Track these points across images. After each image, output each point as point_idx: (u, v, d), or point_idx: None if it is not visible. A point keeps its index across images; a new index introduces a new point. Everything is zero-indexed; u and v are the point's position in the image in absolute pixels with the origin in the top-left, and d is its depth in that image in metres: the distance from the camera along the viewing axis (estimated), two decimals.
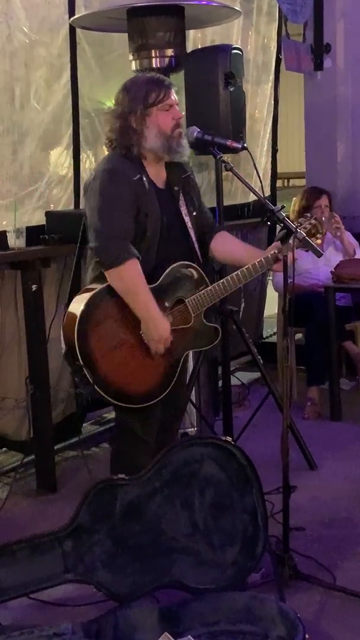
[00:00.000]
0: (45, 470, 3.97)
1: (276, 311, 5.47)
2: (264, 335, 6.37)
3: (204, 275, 3.08)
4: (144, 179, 2.96)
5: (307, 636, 2.44)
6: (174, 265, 3.01)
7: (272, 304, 6.05)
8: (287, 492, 2.98)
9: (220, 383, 4.31)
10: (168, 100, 2.98)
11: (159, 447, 3.16)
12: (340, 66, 5.90)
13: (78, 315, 2.87)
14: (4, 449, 4.32)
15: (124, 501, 2.79)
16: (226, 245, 3.25)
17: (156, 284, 2.97)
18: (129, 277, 2.87)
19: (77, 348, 2.86)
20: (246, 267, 3.04)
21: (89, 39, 4.34)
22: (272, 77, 5.94)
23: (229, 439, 2.94)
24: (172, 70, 3.96)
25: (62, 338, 2.99)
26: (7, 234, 3.83)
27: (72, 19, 4.07)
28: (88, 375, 2.88)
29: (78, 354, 2.86)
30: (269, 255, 3.02)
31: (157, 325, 2.92)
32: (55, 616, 2.80)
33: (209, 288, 3.04)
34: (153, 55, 3.85)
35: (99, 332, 2.89)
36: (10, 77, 3.98)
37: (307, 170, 6.25)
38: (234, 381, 4.83)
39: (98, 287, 2.92)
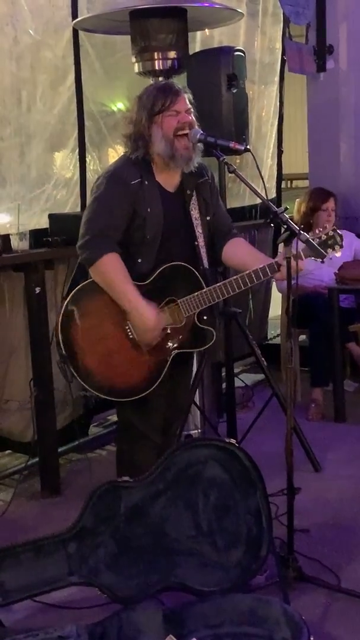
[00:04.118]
0: (50, 472, 3.97)
1: (280, 313, 5.47)
2: (268, 337, 6.37)
3: (200, 278, 3.09)
4: (146, 182, 3.01)
5: (311, 638, 2.43)
6: (168, 265, 3.04)
7: (275, 306, 6.05)
8: (292, 494, 2.97)
9: (224, 385, 4.31)
10: (174, 106, 3.01)
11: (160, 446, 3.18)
12: (342, 67, 5.89)
13: (62, 309, 3.00)
14: (8, 451, 4.32)
15: (127, 503, 2.80)
16: (236, 252, 3.25)
17: (147, 282, 3.01)
18: (107, 271, 2.96)
19: (60, 340, 2.99)
20: (246, 273, 3.04)
21: (92, 41, 4.34)
22: (277, 78, 5.95)
23: (232, 440, 2.94)
24: (174, 73, 3.96)
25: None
26: (11, 236, 3.83)
27: (74, 21, 4.08)
28: (71, 367, 2.99)
29: (62, 345, 2.98)
30: (273, 263, 3.02)
31: (142, 314, 2.96)
32: (59, 618, 2.80)
33: (202, 291, 3.05)
34: (156, 57, 3.85)
35: (83, 325, 3.00)
36: (17, 79, 3.99)
37: (310, 172, 6.24)
38: (237, 383, 4.83)
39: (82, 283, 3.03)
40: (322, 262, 3.05)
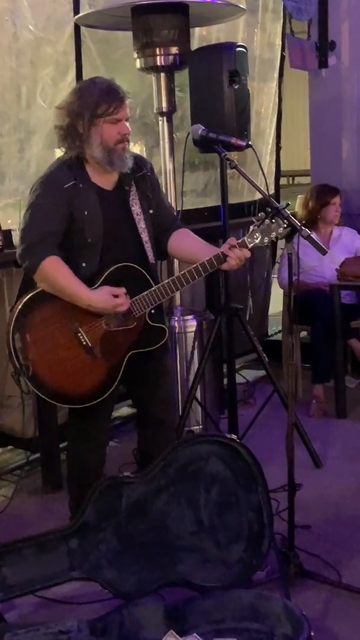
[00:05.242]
0: (51, 468, 3.98)
1: (281, 309, 5.47)
2: (269, 333, 6.37)
3: (148, 277, 3.05)
4: (81, 185, 2.96)
5: (312, 634, 2.44)
6: (114, 267, 2.99)
7: (277, 302, 6.05)
8: (293, 490, 2.98)
9: (225, 381, 4.32)
10: (117, 114, 2.94)
11: (157, 443, 3.18)
12: (345, 63, 5.88)
13: (14, 318, 2.94)
14: (9, 447, 4.33)
15: (129, 499, 2.80)
16: (182, 243, 3.20)
17: (95, 286, 2.96)
18: (50, 274, 2.91)
19: (12, 352, 2.93)
20: (193, 267, 2.99)
21: (94, 37, 4.34)
22: (276, 74, 5.94)
23: (234, 436, 2.94)
24: (176, 68, 3.96)
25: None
26: (12, 232, 3.83)
27: (76, 17, 4.08)
28: (25, 377, 2.94)
29: (14, 357, 2.93)
30: (219, 254, 2.97)
31: (99, 299, 2.92)
32: (61, 614, 2.81)
33: (152, 289, 3.00)
34: (157, 53, 3.85)
35: (33, 333, 2.94)
36: (17, 75, 3.99)
37: (312, 168, 6.23)
38: (239, 379, 4.83)
39: (33, 291, 2.97)
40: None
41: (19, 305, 2.95)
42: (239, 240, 2.97)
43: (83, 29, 4.23)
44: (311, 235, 2.87)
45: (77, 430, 3.23)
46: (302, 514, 3.29)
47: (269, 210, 2.90)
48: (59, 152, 4.39)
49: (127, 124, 3.00)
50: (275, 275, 5.50)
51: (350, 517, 3.49)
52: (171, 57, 3.87)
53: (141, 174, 3.11)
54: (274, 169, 6.14)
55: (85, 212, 2.95)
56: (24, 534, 2.80)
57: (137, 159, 3.11)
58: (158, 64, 3.88)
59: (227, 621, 2.62)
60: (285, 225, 2.88)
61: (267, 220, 2.91)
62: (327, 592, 2.90)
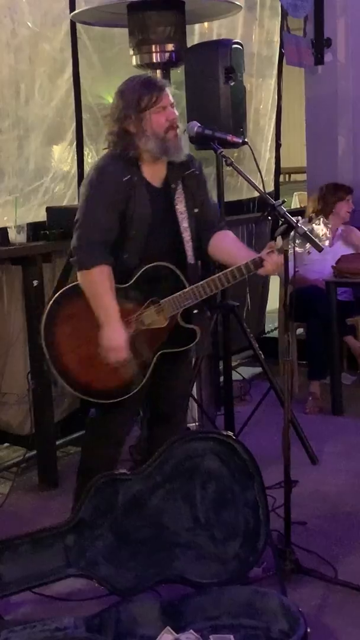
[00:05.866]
0: (47, 465, 3.98)
1: (277, 306, 5.47)
2: (266, 330, 6.37)
3: (182, 278, 3.04)
4: (135, 179, 2.97)
5: (308, 630, 2.44)
6: (149, 266, 2.99)
7: (273, 299, 6.06)
8: (289, 487, 2.98)
9: (221, 378, 4.32)
10: (161, 102, 2.97)
11: (162, 441, 3.17)
12: (341, 60, 5.89)
13: (47, 309, 2.99)
14: (6, 444, 4.33)
15: (125, 496, 2.80)
16: (221, 245, 3.19)
17: (129, 283, 2.97)
18: (94, 282, 2.93)
19: (43, 342, 2.98)
20: (228, 270, 2.99)
21: (90, 34, 4.33)
22: (275, 71, 5.93)
23: (230, 433, 2.94)
24: (172, 65, 3.95)
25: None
26: (9, 229, 3.83)
27: (72, 13, 4.07)
28: (54, 370, 2.98)
29: (44, 348, 2.98)
30: (256, 259, 2.97)
31: (112, 335, 2.93)
32: (57, 610, 2.81)
33: (186, 290, 3.00)
34: (153, 50, 3.84)
35: (65, 328, 2.98)
36: (15, 72, 3.97)
37: (308, 165, 6.24)
38: (235, 376, 4.83)
39: (70, 284, 3.01)
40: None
41: (53, 297, 3.01)
42: (278, 247, 2.93)
43: (79, 26, 4.22)
44: (307, 232, 2.87)
45: (99, 425, 3.21)
46: (299, 510, 3.29)
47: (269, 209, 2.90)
48: (57, 149, 4.40)
49: (175, 110, 3.02)
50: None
51: (347, 514, 3.50)
52: (167, 54, 3.85)
53: (189, 172, 3.11)
54: (273, 166, 6.13)
55: (137, 208, 2.96)
56: (20, 531, 2.80)
57: (188, 157, 3.11)
58: (154, 60, 3.86)
59: (224, 617, 2.62)
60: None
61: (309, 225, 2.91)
62: (323, 589, 2.91)
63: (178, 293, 3.00)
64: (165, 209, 3.06)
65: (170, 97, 3.03)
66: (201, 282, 3.01)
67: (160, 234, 3.03)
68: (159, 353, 3.06)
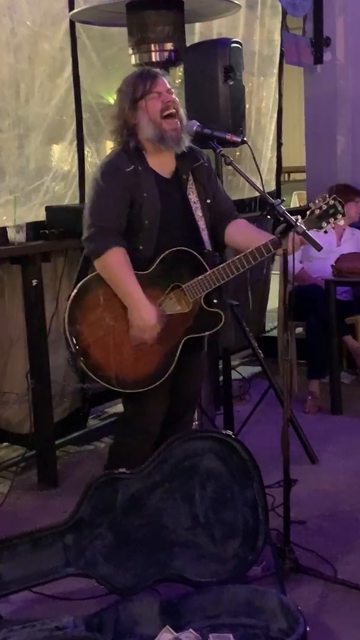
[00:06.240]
0: (47, 464, 3.98)
1: (277, 305, 5.47)
2: (266, 329, 6.37)
3: (203, 261, 3.06)
4: (140, 169, 3.00)
5: (308, 629, 2.45)
6: (169, 251, 3.02)
7: (273, 298, 6.06)
8: (288, 486, 2.98)
9: (221, 377, 4.32)
10: (155, 88, 3.00)
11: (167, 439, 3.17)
12: (340, 59, 5.90)
13: (69, 302, 2.99)
14: (6, 443, 4.33)
15: (125, 495, 2.80)
16: (238, 232, 3.23)
17: (149, 270, 2.99)
18: (111, 266, 2.94)
19: (68, 337, 2.97)
20: (249, 251, 3.01)
21: (89, 33, 4.33)
22: (276, 70, 5.93)
23: (229, 432, 2.94)
24: (171, 64, 3.95)
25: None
26: (8, 229, 3.83)
27: (71, 13, 4.07)
28: (81, 362, 2.96)
29: (69, 338, 2.97)
30: (275, 239, 2.98)
31: (142, 313, 2.94)
32: (57, 610, 2.80)
33: (207, 273, 3.03)
34: (152, 49, 3.83)
35: (89, 317, 2.98)
36: (15, 71, 3.97)
37: (307, 164, 6.24)
38: (234, 375, 4.83)
39: (88, 276, 3.01)
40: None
41: (74, 290, 3.00)
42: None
43: (78, 25, 4.22)
44: (306, 231, 2.88)
45: (131, 420, 3.20)
46: (298, 509, 3.30)
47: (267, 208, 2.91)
48: (57, 148, 4.40)
49: (173, 96, 3.04)
50: (276, 272, 5.50)
51: (346, 513, 3.50)
52: (166, 53, 3.85)
53: (198, 164, 3.14)
54: (275, 165, 6.13)
55: (144, 194, 2.99)
56: (19, 530, 2.80)
57: (196, 150, 3.15)
58: (153, 59, 3.86)
59: (223, 616, 2.63)
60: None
61: (324, 206, 2.93)
62: (322, 587, 2.91)
63: (200, 277, 3.02)
64: (177, 199, 3.09)
65: (167, 84, 3.05)
66: (222, 265, 3.03)
67: (174, 224, 3.05)
68: (185, 338, 3.06)
